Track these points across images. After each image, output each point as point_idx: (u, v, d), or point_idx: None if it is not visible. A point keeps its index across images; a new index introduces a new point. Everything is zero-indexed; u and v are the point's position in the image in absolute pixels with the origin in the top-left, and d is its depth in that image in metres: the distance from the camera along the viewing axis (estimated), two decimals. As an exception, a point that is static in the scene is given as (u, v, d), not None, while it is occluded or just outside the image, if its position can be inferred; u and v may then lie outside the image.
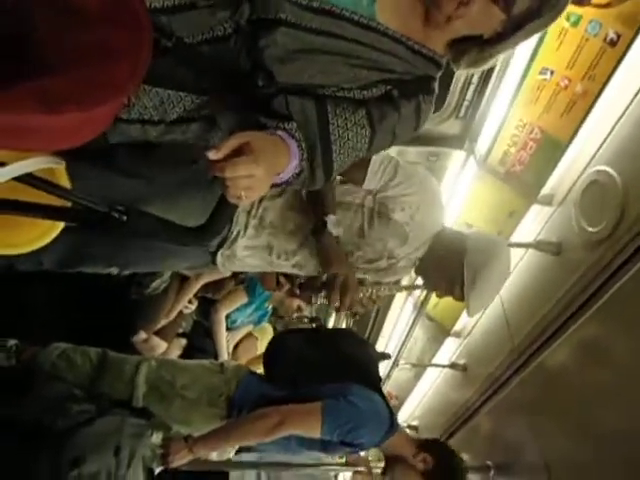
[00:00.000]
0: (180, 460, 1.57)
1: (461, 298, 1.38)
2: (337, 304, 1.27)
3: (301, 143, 0.88)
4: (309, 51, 0.86)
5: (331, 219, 1.25)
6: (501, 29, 0.92)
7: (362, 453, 2.47)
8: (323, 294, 1.30)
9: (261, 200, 1.29)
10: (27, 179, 0.73)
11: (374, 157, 1.33)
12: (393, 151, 2.26)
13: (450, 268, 1.36)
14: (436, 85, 1.02)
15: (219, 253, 1.29)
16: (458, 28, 0.92)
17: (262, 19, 0.84)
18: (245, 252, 1.31)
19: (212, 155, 0.73)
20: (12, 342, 1.67)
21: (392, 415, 1.65)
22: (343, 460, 2.53)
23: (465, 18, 0.88)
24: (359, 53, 0.89)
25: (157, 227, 0.89)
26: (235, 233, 1.28)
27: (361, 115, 0.93)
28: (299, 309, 2.79)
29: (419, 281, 1.52)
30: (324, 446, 1.63)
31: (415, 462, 1.63)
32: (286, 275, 2.36)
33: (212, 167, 0.74)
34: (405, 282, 1.65)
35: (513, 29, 0.92)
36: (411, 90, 0.96)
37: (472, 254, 1.35)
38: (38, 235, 0.84)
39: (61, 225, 0.86)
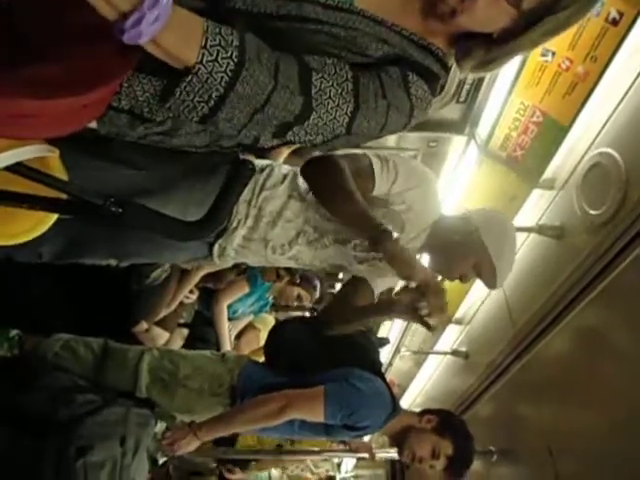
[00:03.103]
0: (186, 447, 1.58)
1: (491, 274, 1.35)
2: (440, 310, 1.18)
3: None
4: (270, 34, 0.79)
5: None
6: (511, 26, 0.84)
7: (366, 438, 2.49)
8: (423, 303, 1.19)
9: (261, 190, 1.27)
10: (18, 169, 0.71)
11: (373, 159, 1.28)
12: (393, 137, 2.26)
13: (472, 248, 1.33)
14: (429, 70, 0.92)
15: (216, 244, 1.27)
16: (462, 22, 0.84)
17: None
18: (242, 244, 1.29)
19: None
20: (14, 332, 1.68)
21: (394, 398, 1.66)
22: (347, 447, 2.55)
23: (471, 11, 0.81)
24: (325, 29, 0.82)
25: (154, 222, 0.86)
26: (235, 223, 1.24)
27: (346, 74, 0.85)
28: (299, 298, 2.78)
29: None
30: (327, 430, 1.64)
31: (423, 425, 1.70)
32: (286, 267, 2.35)
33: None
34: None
35: (525, 27, 0.84)
36: (394, 71, 0.89)
37: (485, 228, 1.34)
38: (32, 225, 0.82)
39: (55, 215, 0.85)
